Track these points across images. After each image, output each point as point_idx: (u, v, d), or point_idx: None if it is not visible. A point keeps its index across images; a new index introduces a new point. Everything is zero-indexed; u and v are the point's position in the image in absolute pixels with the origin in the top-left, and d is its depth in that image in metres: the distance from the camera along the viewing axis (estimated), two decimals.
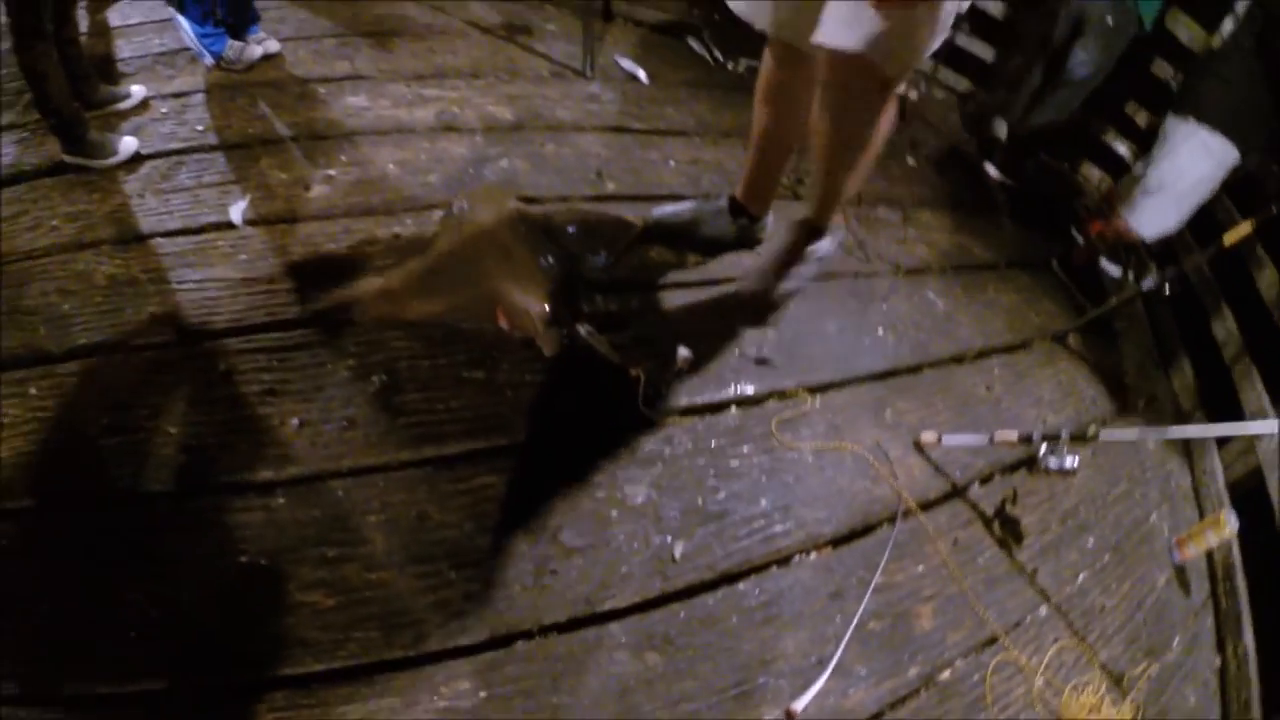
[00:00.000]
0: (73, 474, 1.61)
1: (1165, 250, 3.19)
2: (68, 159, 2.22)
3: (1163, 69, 3.52)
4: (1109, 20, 3.20)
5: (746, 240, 2.36)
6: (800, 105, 1.88)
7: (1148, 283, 2.79)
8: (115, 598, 1.45)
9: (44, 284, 1.94)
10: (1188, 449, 2.62)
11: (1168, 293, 2.87)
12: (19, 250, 2.02)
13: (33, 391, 1.73)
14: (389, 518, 1.61)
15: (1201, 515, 2.41)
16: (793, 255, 2.09)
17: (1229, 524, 2.11)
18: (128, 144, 2.27)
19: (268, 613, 1.47)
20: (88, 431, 1.67)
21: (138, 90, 2.49)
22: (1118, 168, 3.74)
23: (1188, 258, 2.99)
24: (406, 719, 1.39)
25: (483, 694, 1.44)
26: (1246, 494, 2.37)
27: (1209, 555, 2.27)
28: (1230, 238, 2.60)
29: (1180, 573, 2.22)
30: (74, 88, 2.25)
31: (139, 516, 1.56)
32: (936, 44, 1.58)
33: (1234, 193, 3.00)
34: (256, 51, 2.67)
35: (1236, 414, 2.56)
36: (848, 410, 2.12)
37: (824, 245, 2.12)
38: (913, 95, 3.69)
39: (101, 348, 1.82)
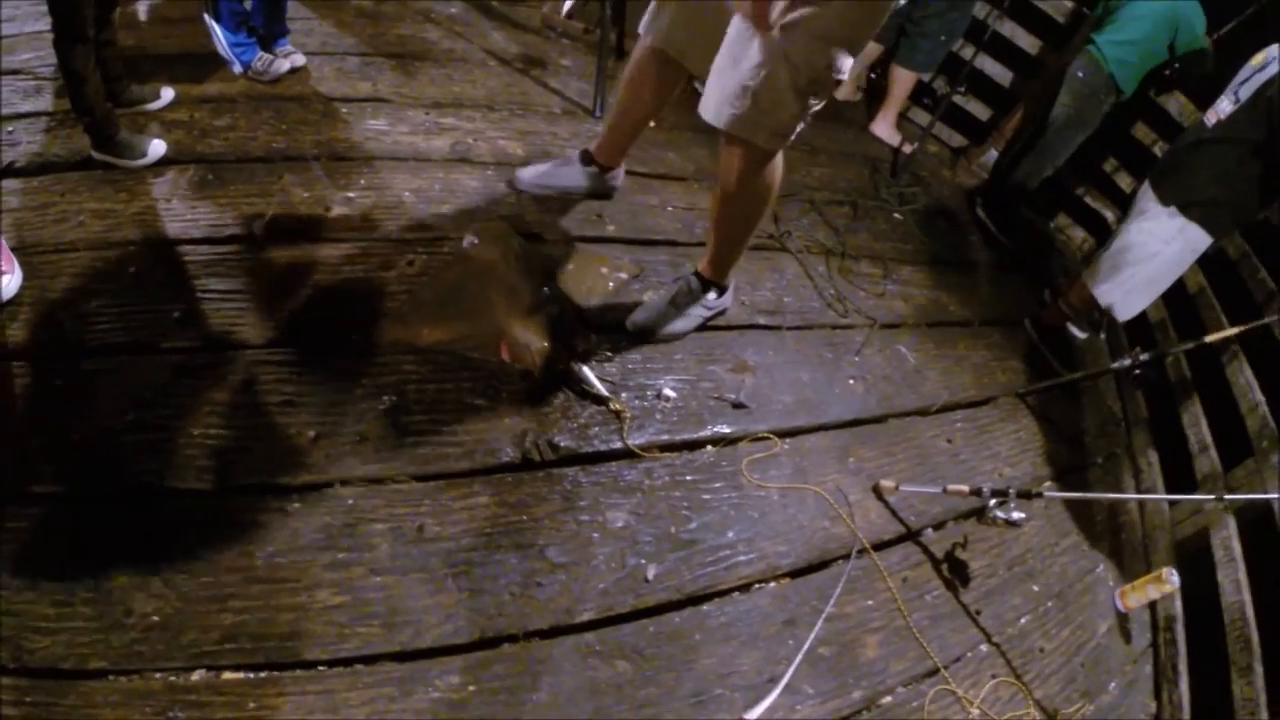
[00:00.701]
0: (97, 466, 1.69)
1: (1140, 324, 3.27)
2: (96, 156, 2.29)
3: (1146, 134, 3.68)
4: (1081, 77, 3.37)
5: (602, 189, 2.62)
6: (655, 92, 2.28)
7: (1120, 361, 2.87)
8: (129, 589, 1.53)
9: (70, 279, 1.99)
10: (1141, 505, 2.74)
11: (1138, 374, 2.94)
12: (46, 243, 2.06)
13: (58, 383, 1.81)
14: (393, 527, 1.75)
15: (1149, 568, 2.50)
16: (685, 300, 2.28)
17: (1170, 581, 2.23)
18: (156, 147, 2.34)
19: (280, 606, 1.58)
20: (112, 426, 1.75)
21: (167, 92, 2.58)
22: (1101, 230, 3.88)
23: (1164, 342, 3.12)
24: (403, 706, 1.52)
25: (471, 688, 1.57)
26: (1194, 551, 2.48)
27: (1152, 606, 2.38)
28: (1213, 337, 2.72)
29: (1123, 621, 2.35)
30: (107, 87, 2.31)
31: (160, 510, 1.66)
32: (812, 108, 1.75)
33: (1215, 280, 3.07)
34: (284, 66, 2.78)
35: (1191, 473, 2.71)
36: (814, 454, 2.28)
37: (716, 299, 2.32)
38: (906, 149, 3.84)
39: (127, 347, 1.89)
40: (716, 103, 1.77)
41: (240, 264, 2.15)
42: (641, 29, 2.17)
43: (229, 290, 2.08)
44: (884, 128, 4.01)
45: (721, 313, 2.43)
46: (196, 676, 1.46)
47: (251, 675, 1.48)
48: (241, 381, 1.91)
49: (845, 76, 1.70)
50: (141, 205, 2.24)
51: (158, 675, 1.44)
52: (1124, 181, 3.84)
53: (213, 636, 1.50)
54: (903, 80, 3.93)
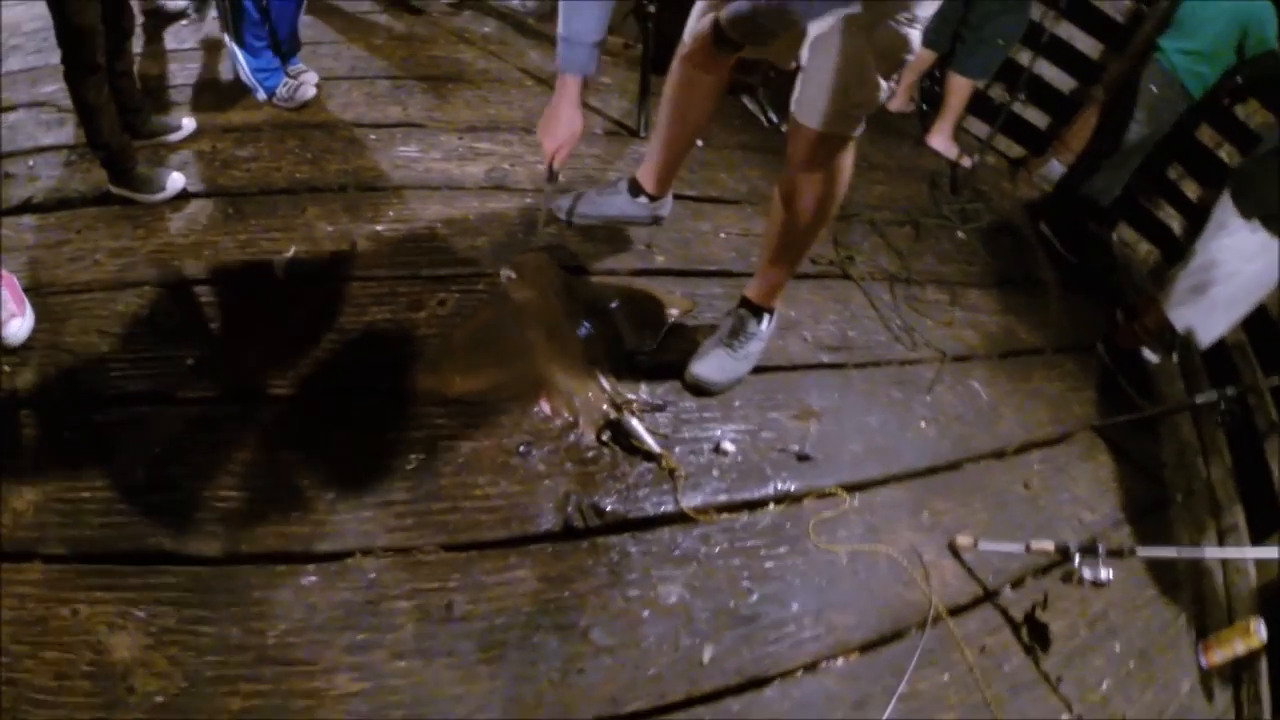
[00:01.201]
0: (104, 526, 1.61)
1: (1220, 353, 3.06)
2: (114, 191, 2.22)
3: (1211, 136, 3.48)
4: (1154, 90, 3.20)
5: (650, 219, 2.47)
6: (702, 101, 2.16)
7: (1202, 397, 2.68)
8: (131, 665, 1.44)
9: (83, 321, 1.94)
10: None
11: (1223, 409, 2.72)
12: (60, 283, 2.02)
13: (67, 436, 1.73)
14: (419, 604, 1.59)
15: (1231, 616, 2.36)
16: (740, 340, 2.13)
17: (1258, 634, 2.09)
18: (175, 181, 2.27)
19: (294, 692, 1.45)
20: (121, 483, 1.67)
21: (188, 123, 2.51)
22: (1166, 241, 3.70)
23: (1247, 374, 2.91)
24: None
25: None
26: (1276, 596, 2.33)
27: (1234, 661, 2.22)
28: None
29: (1205, 678, 2.19)
30: (124, 119, 2.25)
31: (166, 578, 1.55)
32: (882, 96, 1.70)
33: None
34: (309, 92, 2.69)
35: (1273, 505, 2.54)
36: (885, 510, 2.09)
37: (769, 328, 2.19)
38: (965, 163, 3.66)
39: (139, 397, 1.82)
40: (812, 103, 1.71)
41: (260, 306, 2.05)
42: (688, 32, 2.00)
43: (247, 335, 1.98)
44: (941, 140, 3.81)
45: None
46: None
47: None
48: (258, 436, 1.79)
49: (913, 56, 1.67)
50: (159, 242, 2.17)
51: None
52: (1189, 189, 3.63)
53: None
54: (959, 89, 3.74)
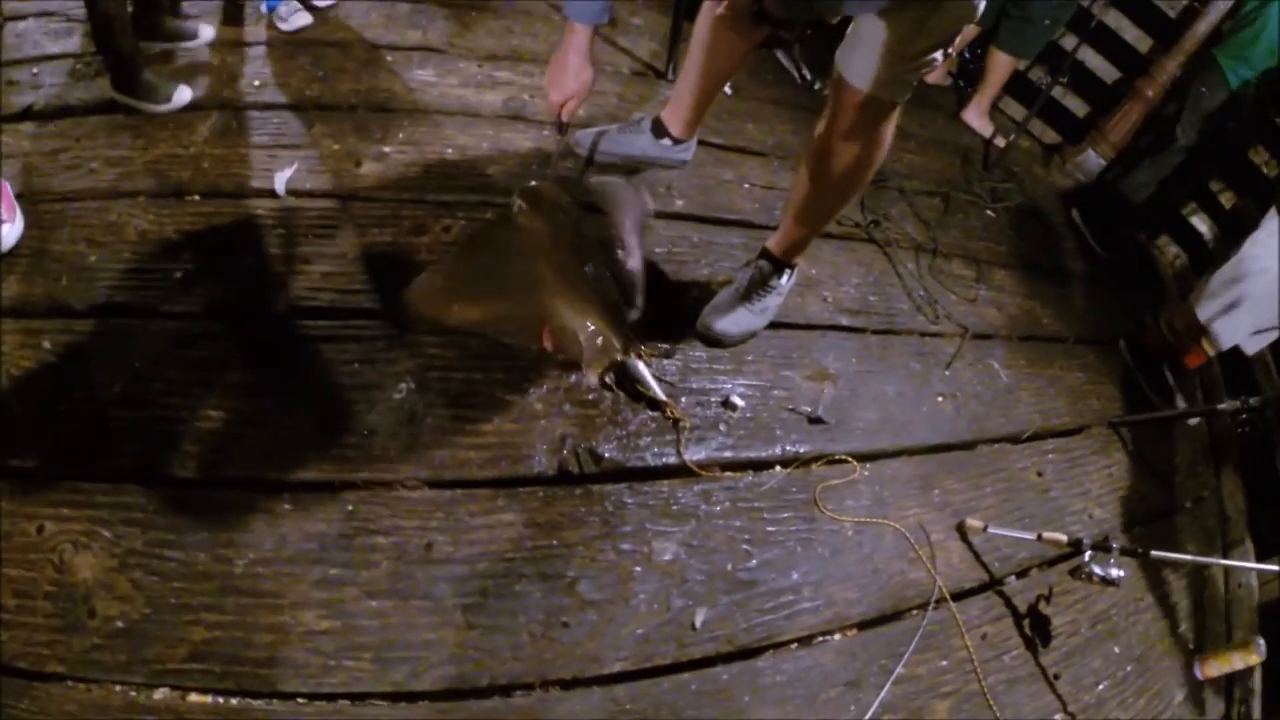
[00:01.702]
0: (77, 442, 1.53)
1: (1242, 367, 3.01)
2: (117, 98, 2.12)
3: (1259, 154, 3.38)
4: (1204, 92, 3.14)
5: (672, 162, 2.39)
6: (730, 48, 2.05)
7: (1224, 405, 2.62)
8: (94, 587, 1.38)
9: (74, 230, 1.86)
10: None
11: (1241, 420, 2.68)
12: (53, 191, 1.93)
13: (46, 345, 1.65)
14: (397, 542, 1.51)
15: (1229, 631, 2.34)
16: (759, 292, 2.04)
17: (1258, 651, 2.05)
18: (182, 93, 2.16)
19: (258, 625, 1.38)
20: (99, 398, 1.59)
21: (206, 30, 2.38)
22: (1195, 246, 3.62)
23: (1269, 391, 2.85)
24: None
25: None
26: (1276, 614, 2.34)
27: (1229, 676, 2.20)
28: None
29: (1197, 689, 2.16)
30: (140, 18, 2.15)
31: (136, 498, 1.48)
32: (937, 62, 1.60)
33: None
34: (306, 19, 2.54)
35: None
36: (895, 483, 2.01)
37: (788, 283, 2.09)
38: (999, 141, 3.54)
39: (125, 309, 1.74)
40: (863, 64, 1.58)
41: (257, 222, 1.95)
42: None
43: (241, 251, 1.88)
44: (976, 116, 3.68)
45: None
46: (159, 695, 1.31)
47: (220, 700, 1.32)
48: (242, 356, 1.70)
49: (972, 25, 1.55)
50: (157, 154, 2.07)
51: (118, 688, 1.31)
52: (1226, 199, 3.56)
53: (180, 652, 1.35)
54: (1001, 66, 3.60)
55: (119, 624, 1.35)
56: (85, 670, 1.31)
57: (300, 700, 1.33)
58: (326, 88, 2.32)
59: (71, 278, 1.77)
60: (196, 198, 1.96)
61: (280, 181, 2.01)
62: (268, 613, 1.39)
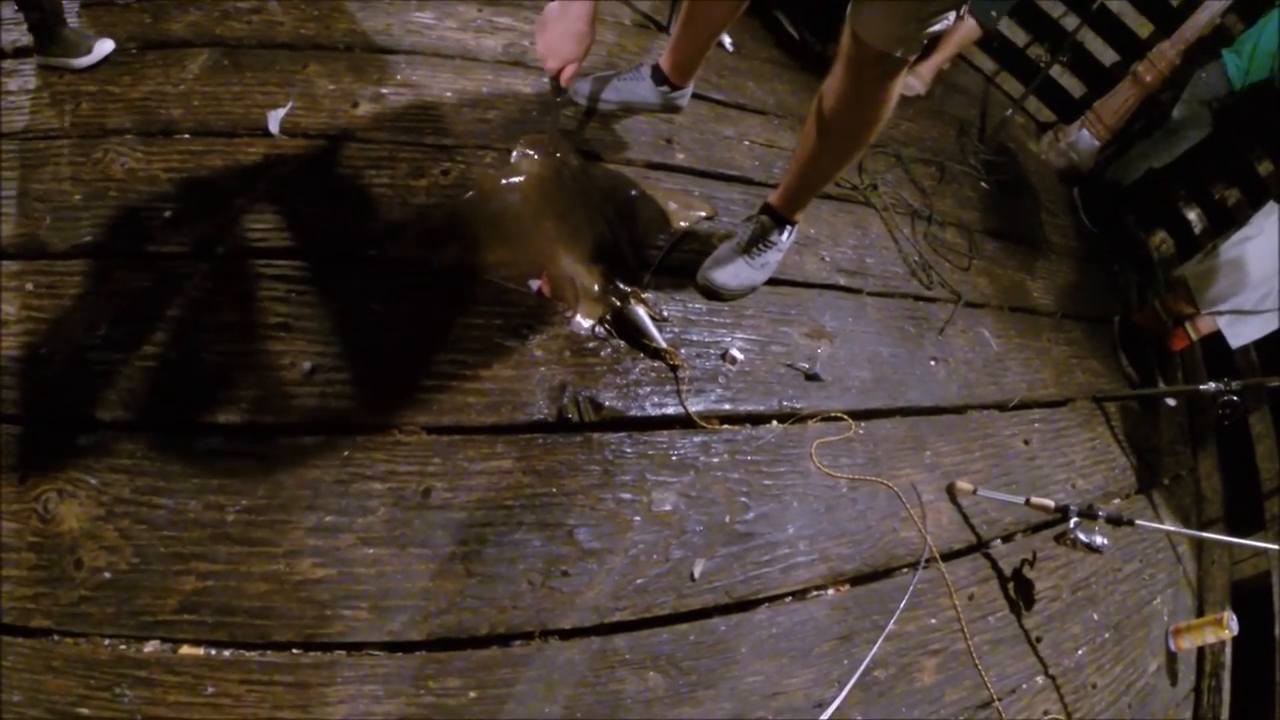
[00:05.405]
0: (62, 388, 1.48)
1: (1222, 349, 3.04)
2: (42, 62, 1.95)
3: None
4: (1202, 76, 3.18)
5: (669, 107, 2.33)
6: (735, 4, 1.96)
7: (1208, 386, 2.62)
8: (80, 536, 1.35)
9: (57, 169, 1.77)
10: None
11: (1224, 400, 2.67)
12: (36, 128, 1.84)
13: (29, 288, 1.59)
14: (394, 488, 1.48)
15: (1202, 605, 2.45)
16: (759, 246, 2.02)
17: (1230, 626, 2.12)
18: (103, 44, 1.99)
19: (251, 574, 1.35)
20: (82, 342, 1.52)
21: None
22: (1183, 231, 3.68)
23: (1247, 370, 2.95)
24: (388, 708, 1.29)
25: (472, 693, 1.34)
26: (1250, 593, 2.44)
27: (1200, 649, 2.31)
28: None
29: (1171, 661, 2.24)
30: None
31: (122, 443, 1.43)
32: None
33: None
34: None
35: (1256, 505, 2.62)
36: (888, 442, 2.02)
37: (789, 239, 2.07)
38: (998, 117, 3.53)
39: (109, 250, 1.66)
40: (877, 19, 1.54)
41: (249, 161, 1.87)
42: None
43: (232, 190, 1.80)
44: (921, 72, 3.46)
45: None
46: (149, 649, 1.28)
47: (213, 653, 1.29)
48: (232, 297, 1.64)
49: None
50: (146, 90, 1.96)
51: (106, 642, 1.28)
52: (1215, 189, 3.61)
53: (170, 603, 1.31)
54: (961, 30, 3.42)
55: (106, 575, 1.31)
56: (72, 624, 1.27)
57: (295, 651, 1.31)
58: (322, 27, 2.22)
59: (55, 218, 1.69)
60: (186, 136, 1.88)
61: (274, 120, 1.93)
62: (261, 561, 1.36)
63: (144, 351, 1.54)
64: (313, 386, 1.55)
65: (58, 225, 1.68)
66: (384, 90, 2.08)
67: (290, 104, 1.98)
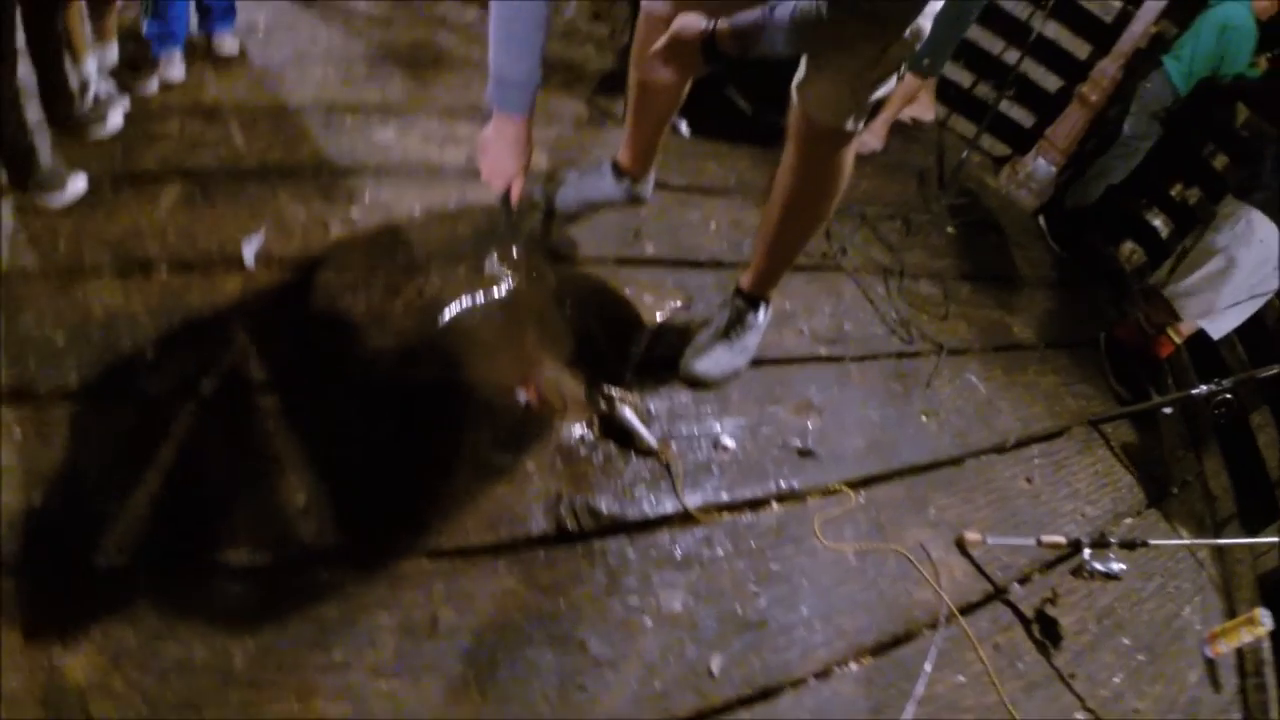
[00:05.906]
0: (52, 535, 1.45)
1: (1209, 350, 3.10)
2: (18, 200, 1.95)
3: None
4: (1147, 86, 3.28)
5: (634, 200, 2.31)
6: (673, 72, 1.83)
7: (1198, 390, 2.67)
8: (87, 689, 1.30)
9: (39, 312, 1.76)
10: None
11: (1217, 402, 2.71)
12: (17, 269, 1.84)
13: (17, 435, 1.57)
14: (401, 619, 1.46)
15: (1233, 607, 2.40)
16: (737, 331, 2.04)
17: (1264, 622, 2.09)
18: (76, 182, 1.99)
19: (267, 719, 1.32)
20: (74, 488, 1.51)
21: (115, 119, 2.19)
22: (1151, 239, 3.76)
23: (1235, 365, 2.96)
24: None
25: None
26: (1276, 584, 2.40)
27: (1239, 651, 2.25)
28: None
29: (1211, 668, 2.19)
30: (48, 105, 2.04)
31: (121, 592, 1.41)
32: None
33: None
34: (159, 82, 2.38)
35: (1268, 494, 2.59)
36: (891, 507, 2.02)
37: (764, 318, 2.08)
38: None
39: (96, 392, 1.65)
40: (824, 97, 1.61)
41: (225, 293, 1.89)
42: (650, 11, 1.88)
43: (212, 325, 1.82)
44: (874, 129, 3.53)
45: None
46: None
47: None
48: (223, 434, 1.63)
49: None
50: (122, 227, 1.97)
51: None
52: (1174, 191, 3.75)
53: None
54: (906, 84, 3.50)
55: None
56: None
57: None
58: (288, 153, 2.28)
59: (40, 362, 1.68)
60: (164, 273, 1.89)
61: (249, 251, 1.96)
62: (274, 703, 1.33)
63: (137, 495, 1.52)
64: (309, 520, 1.54)
65: (44, 370, 1.67)
66: (354, 213, 2.12)
67: (263, 233, 2.00)
